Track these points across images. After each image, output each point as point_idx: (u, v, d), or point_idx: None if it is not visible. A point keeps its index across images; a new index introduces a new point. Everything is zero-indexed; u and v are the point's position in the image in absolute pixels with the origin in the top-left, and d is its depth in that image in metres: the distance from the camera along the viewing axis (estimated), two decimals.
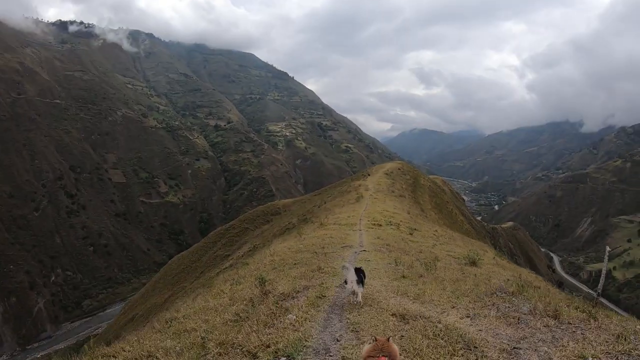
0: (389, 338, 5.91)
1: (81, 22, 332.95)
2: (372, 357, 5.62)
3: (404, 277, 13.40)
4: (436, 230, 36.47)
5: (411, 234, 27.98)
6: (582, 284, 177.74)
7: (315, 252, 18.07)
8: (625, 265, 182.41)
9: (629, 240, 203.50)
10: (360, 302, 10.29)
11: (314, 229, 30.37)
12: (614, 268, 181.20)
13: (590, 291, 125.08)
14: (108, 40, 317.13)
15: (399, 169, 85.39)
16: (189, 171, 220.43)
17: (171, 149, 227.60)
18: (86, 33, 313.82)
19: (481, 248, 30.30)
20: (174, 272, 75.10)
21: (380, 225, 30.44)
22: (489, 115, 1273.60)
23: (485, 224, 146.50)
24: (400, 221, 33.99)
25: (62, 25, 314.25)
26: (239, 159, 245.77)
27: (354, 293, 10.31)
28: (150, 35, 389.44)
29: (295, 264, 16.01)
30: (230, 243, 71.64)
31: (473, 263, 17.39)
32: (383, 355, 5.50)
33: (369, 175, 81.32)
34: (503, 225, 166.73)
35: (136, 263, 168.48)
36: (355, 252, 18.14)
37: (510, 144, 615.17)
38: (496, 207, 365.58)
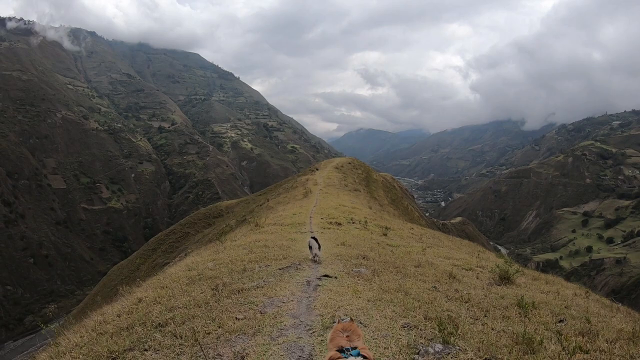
0: (351, 319, 5.59)
1: (20, 19, 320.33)
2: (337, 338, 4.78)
3: None
4: (412, 229, 29.93)
5: (385, 234, 21.31)
6: None
7: (217, 289, 9.86)
8: (571, 255, 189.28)
9: (573, 231, 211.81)
10: (321, 261, 12.63)
11: (245, 232, 22.15)
12: (561, 258, 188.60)
13: None
14: (48, 38, 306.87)
15: (349, 163, 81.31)
16: (132, 175, 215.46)
17: (113, 152, 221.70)
18: (25, 30, 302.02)
19: (475, 249, 24.44)
20: (112, 283, 69.97)
21: (340, 224, 23.54)
22: (433, 115, 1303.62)
23: (435, 220, 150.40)
24: (365, 218, 27.18)
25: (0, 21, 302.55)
26: (183, 162, 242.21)
27: (315, 255, 12.62)
28: (92, 34, 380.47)
29: (158, 326, 7.83)
30: (171, 249, 68.37)
31: (506, 279, 11.63)
32: (347, 335, 5.14)
33: (317, 170, 75.54)
34: (452, 221, 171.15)
35: (79, 274, 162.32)
36: (308, 282, 10.34)
37: (454, 143, 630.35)
38: (442, 203, 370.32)
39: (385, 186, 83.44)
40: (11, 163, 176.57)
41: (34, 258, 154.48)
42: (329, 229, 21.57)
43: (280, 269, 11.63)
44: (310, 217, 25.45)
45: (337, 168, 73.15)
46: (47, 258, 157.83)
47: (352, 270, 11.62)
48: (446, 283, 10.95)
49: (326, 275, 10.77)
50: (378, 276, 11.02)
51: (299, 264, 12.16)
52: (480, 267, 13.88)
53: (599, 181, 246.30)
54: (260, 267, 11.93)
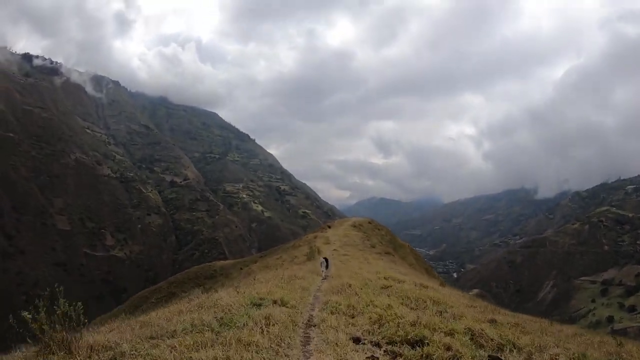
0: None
1: (47, 58, 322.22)
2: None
3: None
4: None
5: None
6: None
7: None
8: (591, 326, 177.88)
9: (592, 301, 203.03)
10: (328, 275, 19.20)
11: None
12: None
13: None
14: (72, 81, 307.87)
15: (369, 222, 66.63)
16: (139, 226, 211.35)
17: (122, 200, 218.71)
18: (51, 69, 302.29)
19: None
20: None
21: None
22: (446, 184, 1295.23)
23: None
24: (481, 321, 11.73)
25: (27, 57, 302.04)
26: (192, 218, 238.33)
27: (326, 269, 20.34)
28: (116, 83, 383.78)
29: None
30: (153, 310, 59.93)
31: None
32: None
33: (329, 227, 61.50)
34: (470, 293, 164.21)
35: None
36: None
37: (467, 212, 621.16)
38: (455, 274, 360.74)
39: (414, 253, 73.57)
40: (18, 197, 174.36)
41: (27, 296, 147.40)
42: None
43: None
44: (312, 315, 10.81)
45: (356, 226, 59.42)
46: (40, 298, 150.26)
47: None
48: None
49: None
50: None
51: None
52: None
53: (617, 247, 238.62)
54: None
